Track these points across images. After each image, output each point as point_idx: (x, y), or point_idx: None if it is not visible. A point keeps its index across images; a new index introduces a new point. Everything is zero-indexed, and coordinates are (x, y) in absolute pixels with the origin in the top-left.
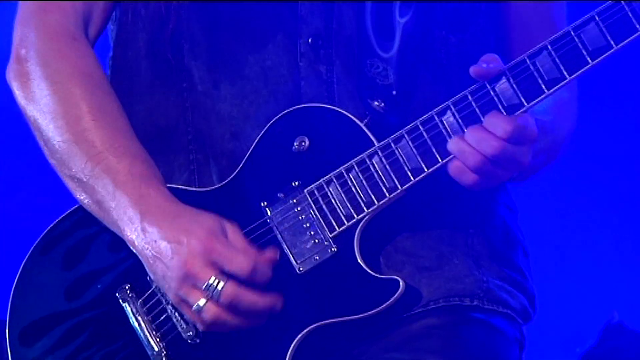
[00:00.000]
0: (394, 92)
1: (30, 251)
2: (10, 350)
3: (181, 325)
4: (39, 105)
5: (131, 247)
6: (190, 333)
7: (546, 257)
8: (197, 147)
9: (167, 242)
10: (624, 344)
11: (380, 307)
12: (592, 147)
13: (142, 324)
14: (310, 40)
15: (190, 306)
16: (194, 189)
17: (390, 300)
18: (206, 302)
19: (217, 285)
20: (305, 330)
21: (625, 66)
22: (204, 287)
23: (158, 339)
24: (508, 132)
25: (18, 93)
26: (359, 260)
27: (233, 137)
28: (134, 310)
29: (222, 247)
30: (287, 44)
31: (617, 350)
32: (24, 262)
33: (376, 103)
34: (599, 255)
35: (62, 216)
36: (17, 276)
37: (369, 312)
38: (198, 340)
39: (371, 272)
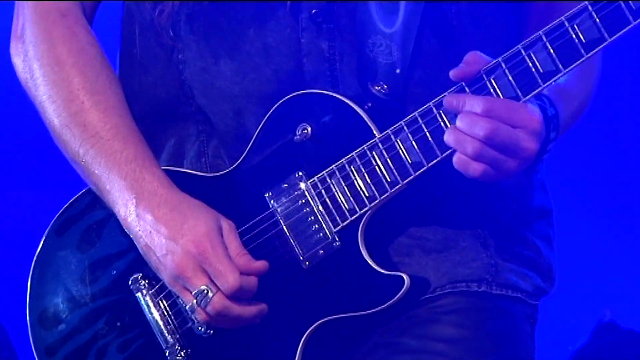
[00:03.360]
0: (398, 70)
1: (46, 232)
2: (31, 331)
3: (192, 320)
4: (36, 85)
5: (127, 231)
6: (201, 328)
7: None
8: (203, 119)
9: (162, 237)
10: (616, 342)
11: (385, 305)
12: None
13: (156, 316)
14: (314, 11)
15: (184, 302)
16: (198, 173)
17: (395, 298)
18: (197, 306)
19: (206, 293)
20: (314, 325)
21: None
22: (194, 292)
23: (172, 331)
24: (487, 109)
25: (18, 71)
26: (364, 254)
27: (237, 114)
28: (147, 301)
29: (215, 257)
30: (288, 19)
31: (609, 349)
32: (41, 243)
33: (377, 87)
34: (592, 253)
35: (76, 196)
36: (35, 256)
37: (374, 309)
38: (211, 332)
39: (376, 268)
